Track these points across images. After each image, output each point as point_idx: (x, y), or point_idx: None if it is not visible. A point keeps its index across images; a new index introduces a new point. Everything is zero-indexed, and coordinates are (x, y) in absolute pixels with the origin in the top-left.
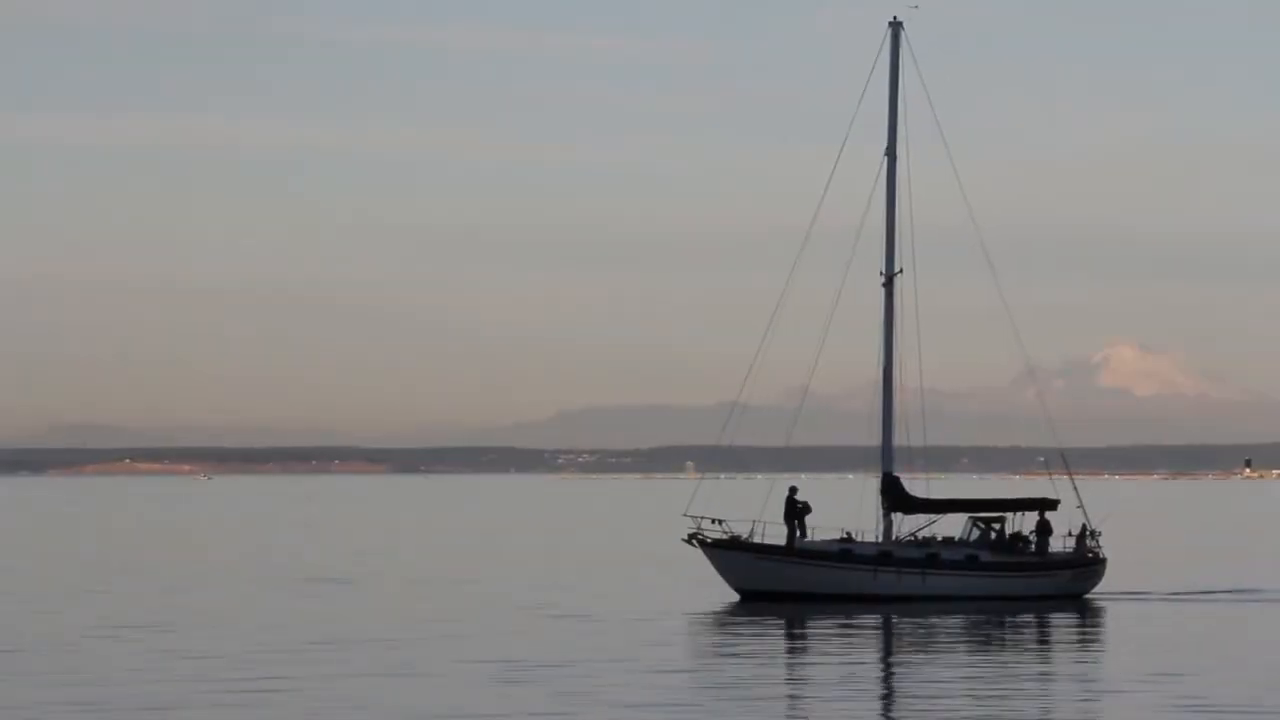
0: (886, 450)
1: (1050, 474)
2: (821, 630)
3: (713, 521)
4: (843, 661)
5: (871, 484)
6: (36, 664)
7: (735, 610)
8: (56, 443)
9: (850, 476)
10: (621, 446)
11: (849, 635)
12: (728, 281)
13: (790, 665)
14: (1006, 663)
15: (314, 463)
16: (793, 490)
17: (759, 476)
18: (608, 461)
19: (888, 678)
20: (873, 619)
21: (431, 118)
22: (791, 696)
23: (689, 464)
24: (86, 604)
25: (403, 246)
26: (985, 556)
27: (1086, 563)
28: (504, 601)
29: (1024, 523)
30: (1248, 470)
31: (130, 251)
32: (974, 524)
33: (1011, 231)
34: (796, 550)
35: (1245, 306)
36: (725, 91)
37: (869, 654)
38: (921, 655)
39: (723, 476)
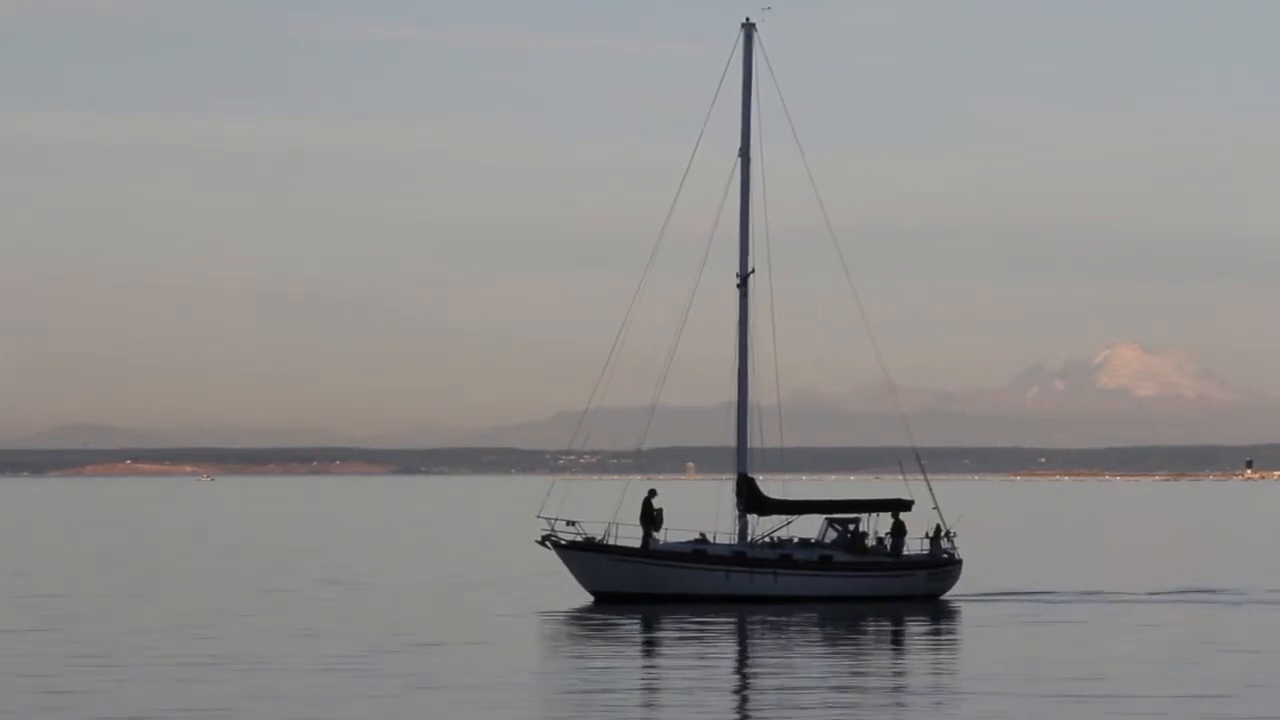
0: (741, 451)
1: (904, 476)
2: (669, 633)
3: (567, 523)
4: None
5: (743, 485)
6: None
7: (588, 612)
8: (57, 443)
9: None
10: (623, 447)
11: (698, 637)
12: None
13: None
14: (849, 663)
15: (315, 464)
16: (651, 493)
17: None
18: (609, 463)
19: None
20: (726, 620)
21: (432, 118)
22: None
23: (689, 465)
24: (124, 609)
25: (403, 246)
26: (839, 557)
27: (941, 563)
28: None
29: (879, 524)
30: (1249, 471)
31: (130, 251)
32: (830, 525)
33: (1013, 232)
34: (650, 552)
35: (1246, 307)
36: (729, 92)
37: (717, 656)
38: (768, 657)
39: (725, 477)
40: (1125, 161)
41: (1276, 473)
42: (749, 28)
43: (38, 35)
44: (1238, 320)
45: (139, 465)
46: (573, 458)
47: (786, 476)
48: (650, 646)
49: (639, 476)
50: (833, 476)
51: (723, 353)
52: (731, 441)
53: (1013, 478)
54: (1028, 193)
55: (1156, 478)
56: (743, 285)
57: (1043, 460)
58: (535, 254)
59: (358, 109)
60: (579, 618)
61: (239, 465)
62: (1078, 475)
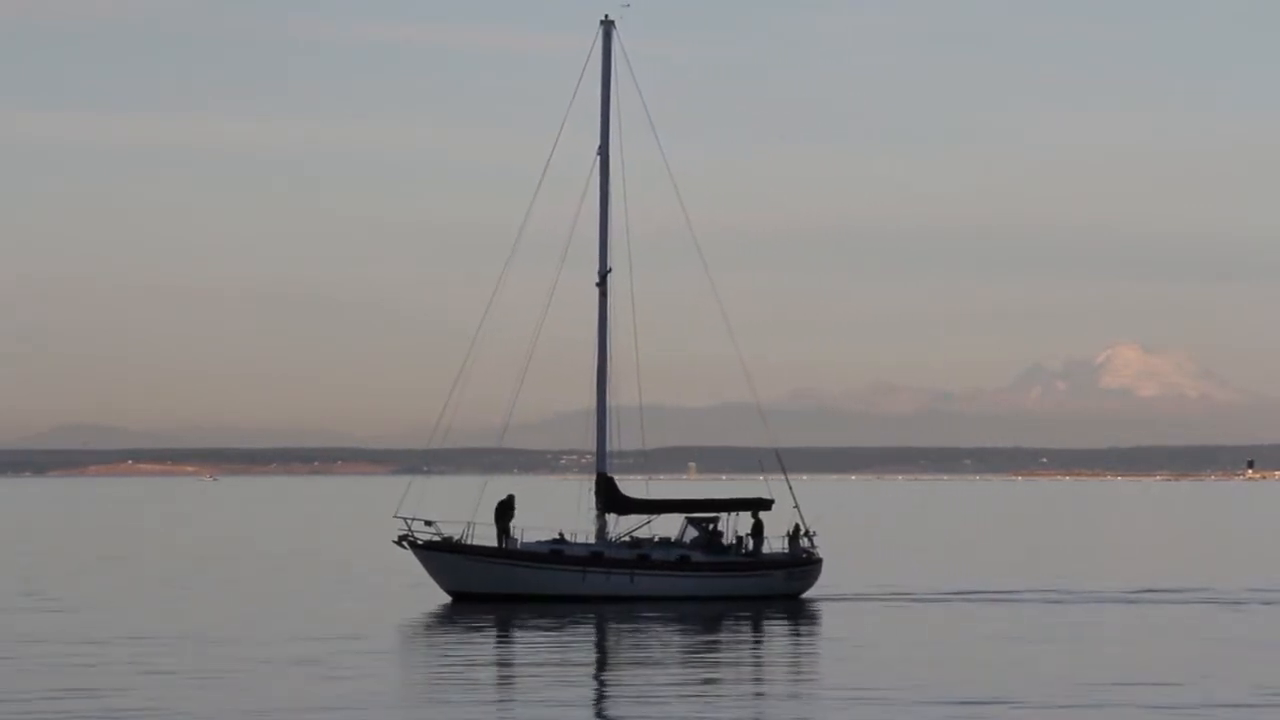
0: (601, 451)
1: (765, 475)
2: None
3: (425, 524)
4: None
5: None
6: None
7: (447, 613)
8: (58, 443)
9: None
10: (623, 447)
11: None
12: (729, 281)
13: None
14: (700, 663)
15: (316, 464)
16: (510, 497)
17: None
18: (610, 463)
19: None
20: (582, 621)
21: (431, 118)
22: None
23: (690, 465)
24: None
25: (403, 246)
26: (697, 557)
27: (801, 563)
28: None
29: (739, 523)
30: (1250, 471)
31: (131, 252)
32: (689, 524)
33: (1013, 232)
34: (507, 552)
35: (1246, 307)
36: (738, 92)
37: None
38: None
39: (725, 477)
40: (1125, 161)
41: (1277, 473)
42: (608, 25)
43: (38, 35)
44: (1238, 320)
45: (140, 465)
46: (574, 457)
47: (713, 477)
48: (503, 648)
49: (639, 476)
50: (722, 477)
51: (717, 352)
52: (727, 442)
53: (1014, 478)
54: (1028, 193)
55: (1158, 478)
56: (602, 284)
57: (1044, 460)
58: (536, 253)
59: (358, 109)
60: (435, 619)
61: (240, 465)
62: (1079, 475)
